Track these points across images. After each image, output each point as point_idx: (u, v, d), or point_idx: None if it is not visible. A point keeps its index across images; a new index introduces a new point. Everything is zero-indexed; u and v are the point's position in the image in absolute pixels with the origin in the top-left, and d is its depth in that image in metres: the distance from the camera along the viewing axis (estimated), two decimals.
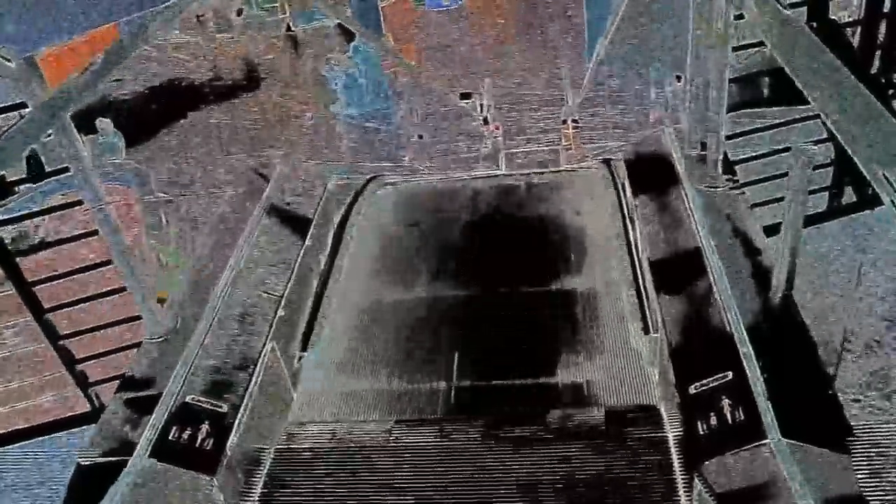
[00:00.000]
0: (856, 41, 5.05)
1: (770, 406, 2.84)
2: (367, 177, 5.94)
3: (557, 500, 3.24)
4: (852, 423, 2.90)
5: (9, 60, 3.09)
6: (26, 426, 4.70)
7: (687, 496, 3.06)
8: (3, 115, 4.96)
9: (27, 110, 3.29)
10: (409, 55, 12.11)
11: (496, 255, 4.97)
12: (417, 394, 3.99)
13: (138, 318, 3.87)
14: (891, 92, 5.05)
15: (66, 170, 3.61)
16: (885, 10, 4.97)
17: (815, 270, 5.09)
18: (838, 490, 2.73)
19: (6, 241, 4.85)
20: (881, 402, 4.29)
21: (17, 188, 5.35)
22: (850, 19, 5.18)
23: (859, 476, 2.77)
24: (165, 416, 3.26)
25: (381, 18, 12.42)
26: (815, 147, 2.95)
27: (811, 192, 3.09)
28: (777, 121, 4.77)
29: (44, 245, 5.13)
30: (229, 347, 3.77)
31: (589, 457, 3.35)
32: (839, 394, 3.01)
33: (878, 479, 2.79)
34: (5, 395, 4.83)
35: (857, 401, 3.87)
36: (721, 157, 4.21)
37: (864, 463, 2.84)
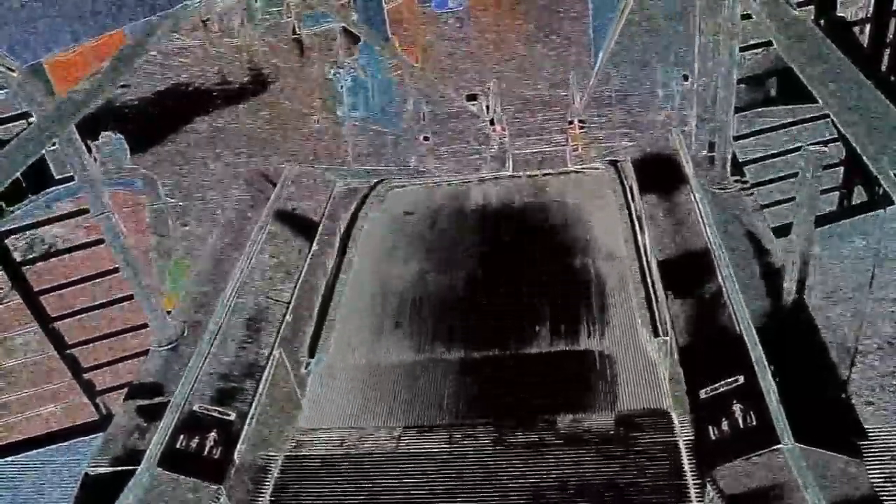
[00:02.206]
0: (864, 39, 5.00)
1: (782, 410, 2.81)
2: (374, 180, 5.92)
3: None
4: (866, 427, 2.86)
5: (12, 70, 3.08)
6: (35, 435, 4.70)
7: (699, 502, 3.03)
8: (11, 124, 4.96)
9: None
10: (414, 57, 12.09)
11: (504, 258, 4.95)
12: (425, 398, 3.97)
13: (145, 325, 3.86)
14: None
15: (73, 177, 3.60)
16: (894, 7, 4.93)
17: (826, 272, 5.05)
18: (853, 496, 2.69)
19: (14, 250, 4.86)
20: None
21: (29, 195, 5.36)
22: (859, 17, 5.14)
23: (874, 481, 2.73)
24: (173, 424, 3.25)
25: (387, 21, 12.40)
26: (826, 148, 2.92)
27: (821, 192, 3.06)
28: (785, 120, 4.73)
29: (51, 253, 5.13)
30: (237, 355, 3.76)
31: (598, 462, 3.33)
32: (852, 397, 2.98)
33: (892, 484, 2.75)
34: (14, 404, 4.83)
35: (871, 404, 3.83)
36: (729, 157, 4.17)
37: (879, 468, 2.80)
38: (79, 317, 4.57)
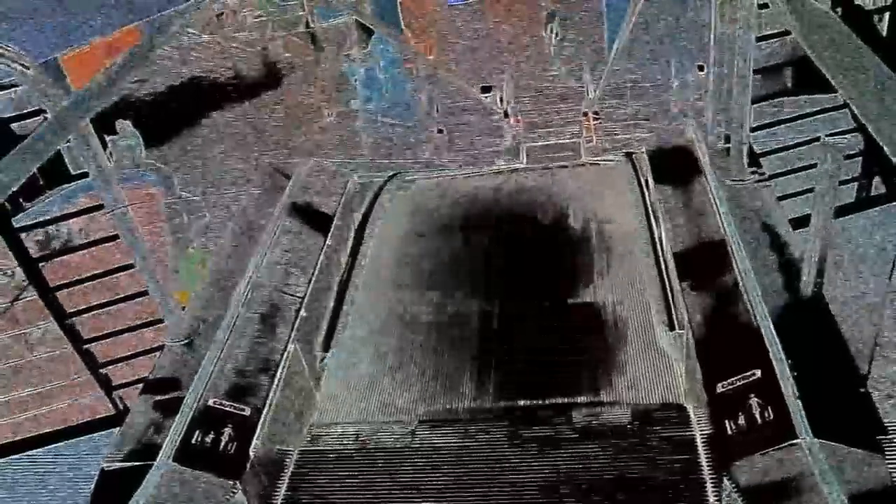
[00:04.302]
0: (883, 28, 4.93)
1: (800, 405, 2.78)
2: (388, 174, 5.92)
3: (582, 501, 3.20)
4: (885, 421, 2.83)
5: (27, 68, 3.09)
6: (51, 430, 4.73)
7: (716, 497, 3.01)
8: (27, 120, 4.98)
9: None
10: (428, 49, 12.04)
11: (518, 251, 4.93)
12: (439, 393, 3.96)
13: (161, 320, 3.88)
14: None
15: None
16: None
17: (844, 264, 4.99)
18: (872, 490, 2.66)
19: (34, 244, 4.88)
20: None
21: (45, 190, 5.38)
22: (878, 6, 5.06)
23: (894, 475, 2.70)
24: (188, 419, 3.25)
25: (400, 13, 12.35)
26: (845, 139, 2.88)
27: (839, 184, 3.01)
28: (803, 111, 4.67)
29: (67, 249, 5.15)
30: (252, 349, 3.77)
31: (614, 456, 3.31)
32: (872, 391, 2.94)
33: None
34: (30, 399, 4.86)
35: (891, 398, 3.78)
36: (746, 148, 4.13)
37: None
38: (95, 312, 4.59)
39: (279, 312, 4.06)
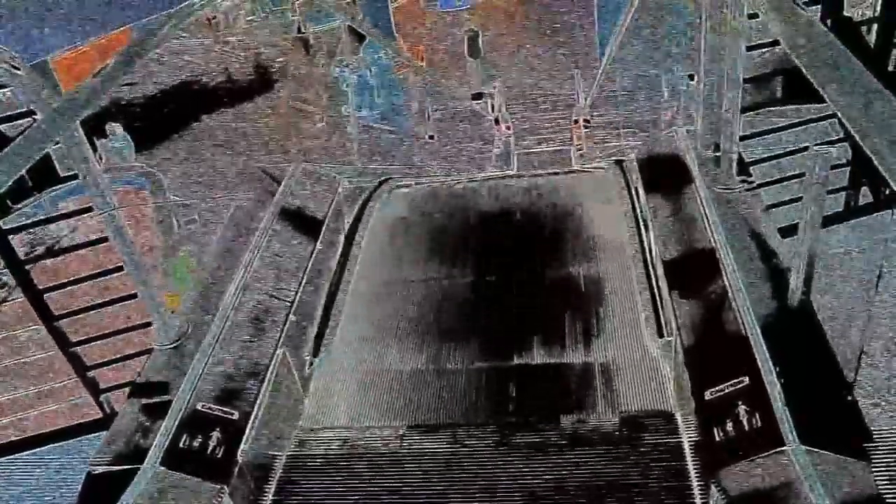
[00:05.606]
0: (871, 39, 4.96)
1: (787, 412, 2.80)
2: (379, 179, 5.93)
3: None
4: (872, 429, 2.84)
5: (17, 69, 3.08)
6: (38, 433, 4.71)
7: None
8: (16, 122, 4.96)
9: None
10: (419, 56, 12.09)
11: (508, 258, 4.94)
12: (428, 398, 3.96)
13: (150, 324, 3.86)
14: None
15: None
16: None
17: (831, 272, 5.03)
18: (858, 498, 2.68)
19: (20, 248, 4.85)
20: None
21: (33, 193, 5.35)
22: (866, 17, 5.10)
23: (879, 483, 2.72)
24: (176, 423, 3.25)
25: (392, 19, 12.40)
26: (833, 148, 2.90)
27: (827, 193, 3.04)
28: (792, 121, 4.71)
29: (55, 251, 5.12)
30: (240, 353, 3.76)
31: (603, 463, 3.32)
32: (858, 399, 2.96)
33: None
34: (17, 402, 4.83)
35: (877, 405, 3.81)
36: (735, 157, 4.15)
37: (885, 469, 2.79)
38: (82, 315, 4.56)
39: (268, 316, 4.06)
